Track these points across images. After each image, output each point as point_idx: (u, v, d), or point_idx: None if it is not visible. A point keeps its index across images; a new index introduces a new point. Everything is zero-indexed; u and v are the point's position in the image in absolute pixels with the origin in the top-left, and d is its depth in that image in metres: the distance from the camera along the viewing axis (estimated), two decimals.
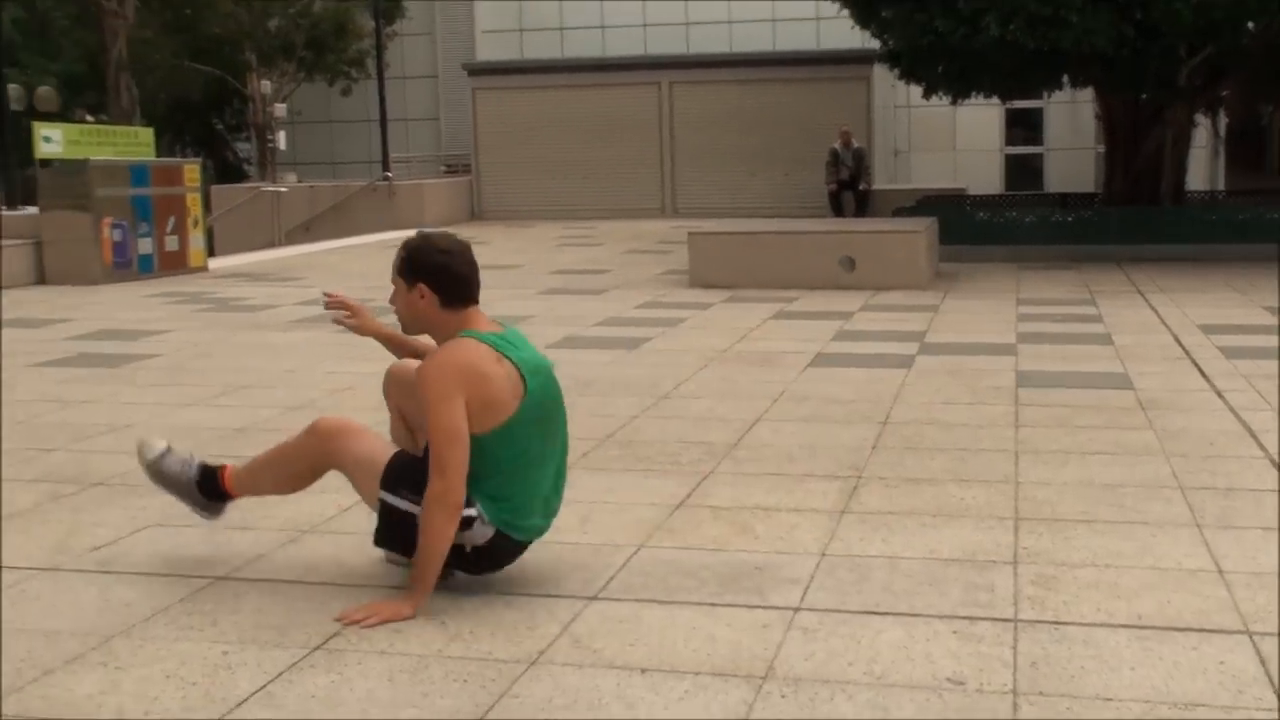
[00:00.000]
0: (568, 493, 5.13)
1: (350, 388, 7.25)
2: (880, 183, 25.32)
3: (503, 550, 3.98)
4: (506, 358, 3.86)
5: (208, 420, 6.75)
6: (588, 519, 4.82)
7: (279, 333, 10.20)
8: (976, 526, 4.63)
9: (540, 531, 4.08)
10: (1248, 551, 4.31)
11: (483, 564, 4.00)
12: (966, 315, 10.70)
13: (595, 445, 6.04)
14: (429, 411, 3.75)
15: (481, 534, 3.88)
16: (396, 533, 3.95)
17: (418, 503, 3.81)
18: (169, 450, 4.35)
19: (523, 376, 3.86)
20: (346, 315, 4.32)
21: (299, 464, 4.17)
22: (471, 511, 3.83)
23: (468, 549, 3.89)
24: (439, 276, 3.89)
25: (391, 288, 4.00)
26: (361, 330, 4.34)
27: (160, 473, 4.33)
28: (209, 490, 4.27)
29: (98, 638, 3.66)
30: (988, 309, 11.09)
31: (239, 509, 4.70)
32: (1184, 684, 3.26)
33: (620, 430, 6.37)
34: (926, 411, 6.73)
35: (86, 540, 4.63)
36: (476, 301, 3.99)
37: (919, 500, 5.00)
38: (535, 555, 4.36)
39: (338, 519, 4.85)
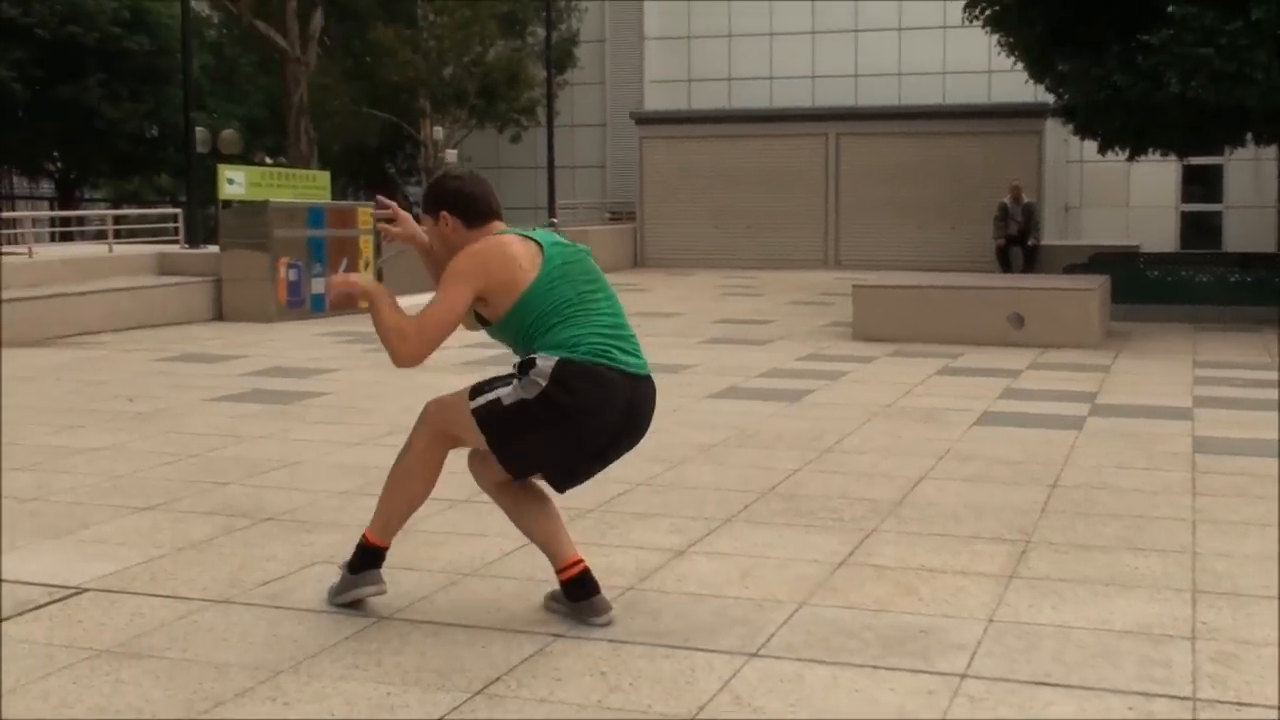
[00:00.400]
0: (728, 544, 5.15)
1: None
2: (1050, 238, 24.86)
3: (577, 375, 3.97)
4: (528, 238, 4.11)
5: (375, 459, 6.86)
6: (748, 573, 4.77)
7: (446, 374, 10.33)
8: (1152, 598, 4.47)
9: (612, 359, 4.03)
10: None
11: (569, 396, 3.96)
12: (1140, 376, 10.39)
13: (756, 498, 5.99)
14: (438, 288, 4.06)
15: (545, 365, 3.98)
16: (501, 423, 4.02)
17: (501, 386, 4.04)
18: None
19: (541, 248, 4.09)
20: (391, 223, 4.44)
21: (418, 447, 4.21)
22: (531, 356, 4.01)
23: (545, 384, 3.95)
24: (455, 200, 4.18)
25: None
26: (402, 236, 4.45)
27: (334, 594, 4.35)
28: (359, 564, 4.27)
29: (266, 672, 3.73)
30: (1162, 371, 10.76)
31: (399, 549, 4.78)
32: None
33: (782, 484, 6.31)
34: (1098, 475, 6.53)
35: (257, 574, 4.73)
36: (499, 218, 4.22)
37: (1091, 568, 4.85)
38: (695, 607, 4.34)
39: (499, 563, 4.88)
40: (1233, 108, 14.70)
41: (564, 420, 4.01)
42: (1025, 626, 4.17)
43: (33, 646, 3.95)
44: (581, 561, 4.20)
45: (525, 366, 4.02)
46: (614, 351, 4.06)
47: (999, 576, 4.74)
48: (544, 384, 3.97)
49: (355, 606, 4.28)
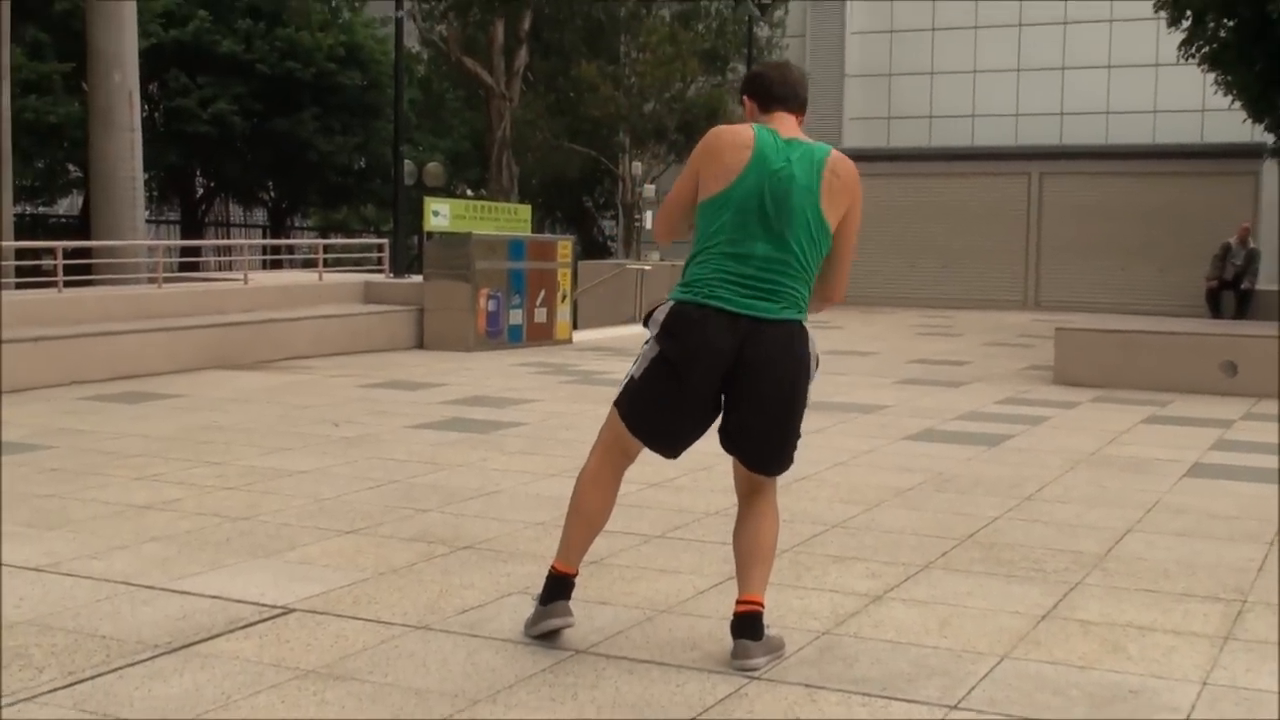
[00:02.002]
0: (925, 591, 5.04)
1: (707, 468, 7.31)
2: (1264, 284, 23.90)
3: (680, 320, 4.05)
4: (756, 149, 4.06)
5: (570, 491, 6.91)
6: (947, 622, 4.66)
7: None
8: None
9: (720, 300, 4.01)
10: None
11: (677, 346, 4.04)
12: None
13: (955, 545, 5.86)
14: None
15: (659, 314, 4.11)
16: (633, 402, 4.18)
17: (635, 360, 4.18)
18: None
19: (748, 169, 4.05)
20: None
21: (589, 466, 4.29)
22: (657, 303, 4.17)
23: (658, 334, 4.08)
24: (754, 84, 4.29)
25: None
26: None
27: (528, 626, 4.36)
28: (547, 594, 4.26)
29: (465, 700, 3.77)
30: None
31: (594, 583, 4.80)
32: None
33: (981, 531, 6.16)
34: None
35: (456, 602, 4.80)
36: (788, 108, 4.24)
37: None
38: (892, 655, 4.25)
39: (694, 600, 4.86)
40: None
41: (674, 373, 4.04)
42: (1243, 692, 3.98)
43: (244, 663, 4.07)
44: (752, 603, 4.11)
45: (647, 318, 4.16)
46: (727, 292, 4.02)
47: (1213, 637, 4.53)
48: (657, 334, 4.08)
49: (549, 638, 4.30)
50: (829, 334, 19.09)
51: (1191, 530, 6.27)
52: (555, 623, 4.27)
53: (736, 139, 4.10)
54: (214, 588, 4.93)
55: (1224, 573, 5.44)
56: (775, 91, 4.24)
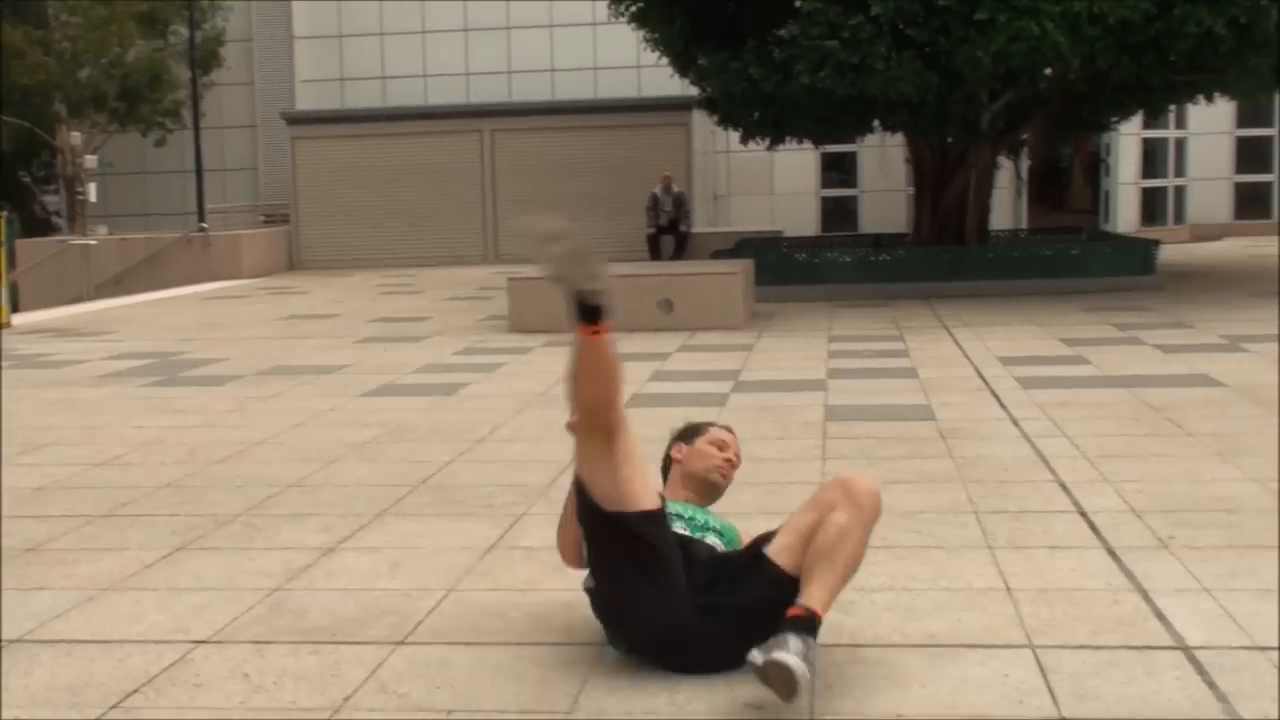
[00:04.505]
0: (378, 538, 5.17)
1: (159, 441, 7.08)
2: (700, 226, 25.71)
3: None
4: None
5: (5, 480, 6.53)
6: (398, 565, 4.81)
7: (86, 388, 9.92)
8: None
9: None
10: (1034, 569, 4.50)
11: None
12: (780, 353, 10.93)
13: (408, 491, 6.02)
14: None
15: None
16: None
17: None
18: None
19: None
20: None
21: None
22: None
23: None
24: None
25: None
26: None
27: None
28: None
29: None
30: (800, 347, 11.34)
31: (30, 570, 4.60)
32: (970, 698, 3.39)
33: (434, 475, 6.36)
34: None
35: None
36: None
37: None
38: (343, 602, 4.35)
39: (139, 575, 4.75)
40: (858, 97, 15.60)
41: None
42: None
43: None
44: None
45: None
46: None
47: None
48: None
49: None
50: (291, 300, 18.88)
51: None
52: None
53: None
54: None
55: None
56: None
